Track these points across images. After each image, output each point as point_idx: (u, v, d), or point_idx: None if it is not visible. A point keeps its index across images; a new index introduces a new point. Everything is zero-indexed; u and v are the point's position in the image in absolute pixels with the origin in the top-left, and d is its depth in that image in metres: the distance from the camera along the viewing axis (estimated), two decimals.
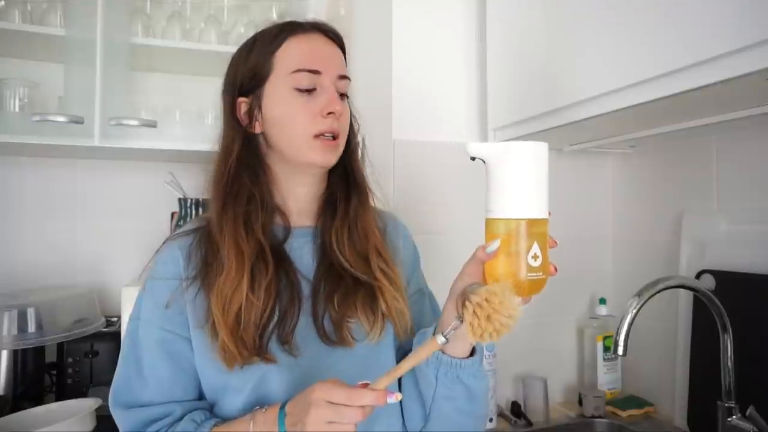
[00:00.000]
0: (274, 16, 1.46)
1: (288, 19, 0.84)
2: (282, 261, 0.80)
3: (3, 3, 1.27)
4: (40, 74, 1.40)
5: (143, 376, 0.77)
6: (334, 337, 0.78)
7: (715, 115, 1.07)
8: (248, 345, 0.73)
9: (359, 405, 0.63)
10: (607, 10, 1.00)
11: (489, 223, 0.67)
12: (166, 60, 1.47)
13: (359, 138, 0.90)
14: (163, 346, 0.77)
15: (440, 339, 0.65)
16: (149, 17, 1.42)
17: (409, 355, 0.67)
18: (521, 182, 0.65)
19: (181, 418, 0.76)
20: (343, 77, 0.82)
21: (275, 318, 0.76)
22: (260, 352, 0.74)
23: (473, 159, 0.68)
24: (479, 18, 1.47)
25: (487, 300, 0.60)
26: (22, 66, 1.42)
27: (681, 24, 0.85)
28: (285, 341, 0.75)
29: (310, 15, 0.84)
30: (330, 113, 0.78)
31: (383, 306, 0.80)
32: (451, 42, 1.47)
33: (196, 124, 1.41)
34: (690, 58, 0.83)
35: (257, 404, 0.74)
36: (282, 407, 0.69)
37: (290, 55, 0.80)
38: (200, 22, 1.46)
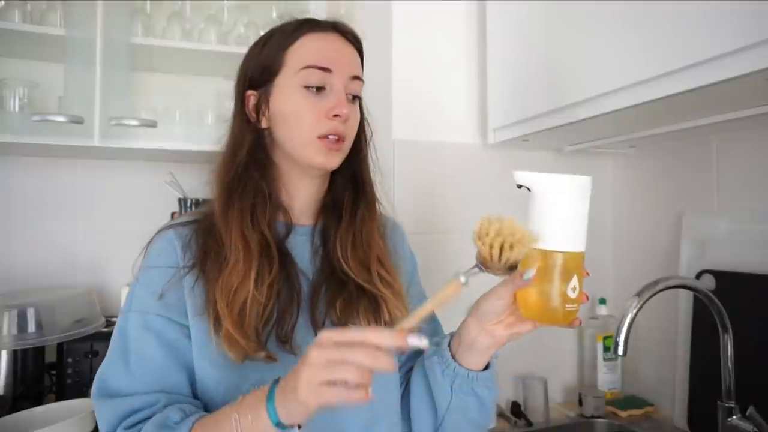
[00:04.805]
0: (274, 17, 1.46)
1: (307, 16, 0.82)
2: (285, 259, 0.78)
3: (3, 3, 1.26)
4: (40, 74, 1.40)
5: (129, 369, 0.72)
6: None
7: (715, 115, 1.07)
8: (251, 338, 0.71)
9: (373, 343, 0.54)
10: (606, 11, 1.00)
11: (529, 251, 0.65)
12: (166, 60, 1.47)
13: (371, 145, 0.88)
14: (159, 334, 0.73)
15: (462, 278, 0.63)
16: (149, 17, 1.42)
17: (433, 295, 0.63)
18: (566, 215, 0.65)
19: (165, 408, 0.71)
20: (356, 78, 0.81)
21: (274, 316, 0.74)
22: (263, 347, 0.71)
23: (519, 187, 0.67)
24: (479, 18, 1.47)
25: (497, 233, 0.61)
26: (22, 66, 1.42)
27: (681, 24, 0.85)
28: (284, 340, 0.74)
29: (310, 16, 0.82)
30: (336, 115, 0.76)
31: (386, 315, 0.79)
32: (451, 42, 1.47)
33: (196, 124, 1.41)
34: (690, 58, 0.83)
35: None
36: (276, 381, 0.62)
37: (303, 51, 0.78)
38: (200, 22, 1.46)
